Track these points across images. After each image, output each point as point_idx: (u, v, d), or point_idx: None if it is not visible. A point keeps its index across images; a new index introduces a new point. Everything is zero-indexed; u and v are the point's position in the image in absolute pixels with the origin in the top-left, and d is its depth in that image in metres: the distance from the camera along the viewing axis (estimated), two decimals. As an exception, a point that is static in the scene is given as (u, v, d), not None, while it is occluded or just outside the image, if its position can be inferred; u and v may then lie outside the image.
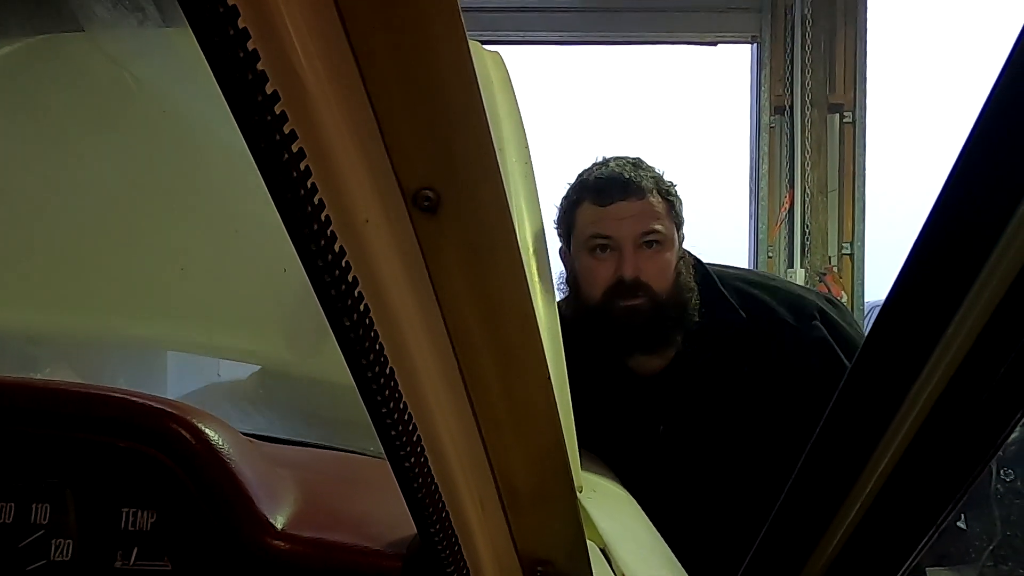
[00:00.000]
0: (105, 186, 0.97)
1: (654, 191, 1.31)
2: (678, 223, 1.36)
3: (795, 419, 1.25)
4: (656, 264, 1.30)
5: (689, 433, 1.37)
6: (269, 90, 0.33)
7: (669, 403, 1.38)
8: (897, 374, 0.48)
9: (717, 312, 1.35)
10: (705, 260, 1.43)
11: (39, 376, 1.01)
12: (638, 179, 1.30)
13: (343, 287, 0.39)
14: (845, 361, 1.32)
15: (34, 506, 0.61)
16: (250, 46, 0.32)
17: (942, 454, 0.48)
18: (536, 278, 1.03)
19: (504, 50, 1.45)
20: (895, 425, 0.49)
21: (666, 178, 1.36)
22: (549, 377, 0.51)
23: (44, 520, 0.61)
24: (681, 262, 1.35)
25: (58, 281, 0.96)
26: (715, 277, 1.39)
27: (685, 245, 1.39)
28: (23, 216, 1.02)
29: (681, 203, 1.37)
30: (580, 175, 1.37)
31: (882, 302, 0.50)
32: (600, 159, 1.39)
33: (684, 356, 1.36)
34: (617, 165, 1.34)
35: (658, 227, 1.30)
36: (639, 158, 1.38)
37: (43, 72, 1.26)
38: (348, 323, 0.40)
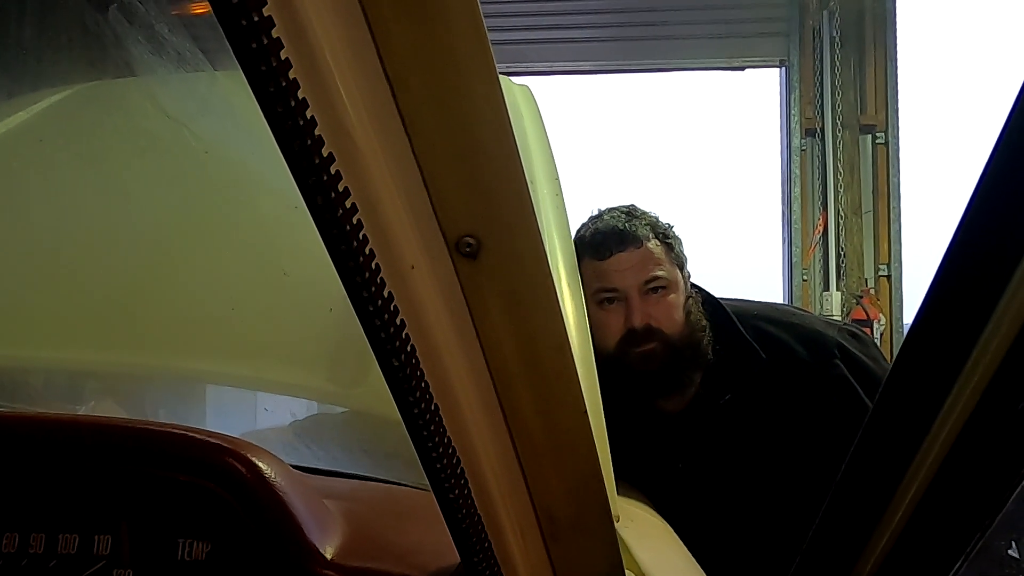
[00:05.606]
0: (157, 228, 1.02)
1: (651, 237, 1.33)
2: (680, 264, 1.37)
3: (815, 458, 1.24)
4: (664, 308, 1.32)
5: (706, 472, 1.38)
6: (325, 152, 0.36)
7: (687, 443, 1.38)
8: (926, 395, 0.49)
9: (736, 353, 1.36)
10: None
11: (83, 409, 1.06)
12: (633, 228, 1.32)
13: (392, 330, 0.41)
14: (865, 399, 1.32)
15: (96, 537, 0.64)
16: (308, 113, 0.36)
17: (972, 476, 0.49)
18: (570, 310, 1.05)
19: (532, 81, 1.49)
20: (924, 448, 0.50)
21: (662, 221, 1.38)
22: (585, 410, 0.53)
23: (106, 551, 0.64)
24: (690, 301, 1.36)
25: (113, 319, 1.01)
26: (733, 316, 1.39)
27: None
28: (78, 257, 1.07)
29: (680, 243, 1.39)
30: (578, 231, 1.39)
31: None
32: (595, 212, 1.41)
33: (703, 397, 1.37)
34: (611, 217, 1.36)
35: (660, 272, 1.31)
36: (633, 205, 1.40)
37: (95, 117, 1.33)
38: (397, 363, 0.42)
